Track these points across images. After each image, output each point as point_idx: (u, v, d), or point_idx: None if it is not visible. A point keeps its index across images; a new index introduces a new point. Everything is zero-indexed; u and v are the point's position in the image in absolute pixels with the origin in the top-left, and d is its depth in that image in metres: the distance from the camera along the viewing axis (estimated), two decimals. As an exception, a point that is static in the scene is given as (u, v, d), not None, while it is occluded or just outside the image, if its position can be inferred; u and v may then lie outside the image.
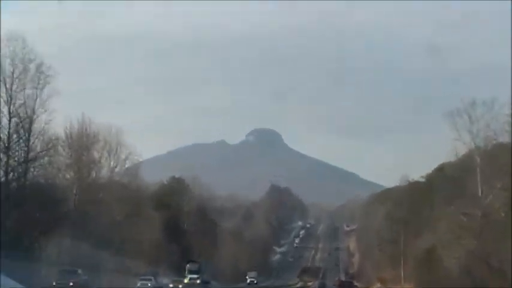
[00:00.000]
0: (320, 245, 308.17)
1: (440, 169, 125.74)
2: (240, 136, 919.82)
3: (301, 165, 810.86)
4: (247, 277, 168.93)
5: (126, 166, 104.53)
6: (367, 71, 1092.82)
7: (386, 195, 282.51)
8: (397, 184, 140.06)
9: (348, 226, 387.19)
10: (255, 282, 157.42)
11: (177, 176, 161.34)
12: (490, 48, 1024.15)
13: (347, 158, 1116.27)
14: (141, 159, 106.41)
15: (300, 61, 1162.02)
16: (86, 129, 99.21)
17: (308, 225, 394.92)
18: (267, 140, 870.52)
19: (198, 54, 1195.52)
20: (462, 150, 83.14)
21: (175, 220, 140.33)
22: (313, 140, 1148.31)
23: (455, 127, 79.58)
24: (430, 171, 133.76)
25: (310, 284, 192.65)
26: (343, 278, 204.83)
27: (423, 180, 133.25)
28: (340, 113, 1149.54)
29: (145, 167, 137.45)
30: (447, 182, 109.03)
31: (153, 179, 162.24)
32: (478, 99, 79.86)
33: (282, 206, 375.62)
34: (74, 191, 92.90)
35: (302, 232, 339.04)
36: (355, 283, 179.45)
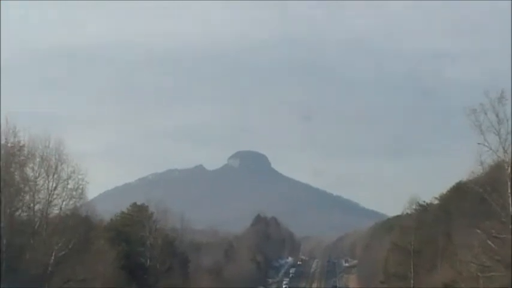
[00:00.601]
0: (314, 285, 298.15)
1: (458, 188, 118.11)
2: (220, 160, 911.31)
3: (293, 193, 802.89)
4: None
5: (69, 187, 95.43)
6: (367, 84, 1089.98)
7: (391, 223, 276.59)
8: (404, 210, 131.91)
9: (347, 262, 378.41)
10: None
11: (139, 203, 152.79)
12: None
13: (345, 184, 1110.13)
14: (87, 179, 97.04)
15: (289, 74, 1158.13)
16: (19, 142, 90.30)
17: (300, 262, 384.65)
18: (252, 164, 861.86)
19: (171, 71, 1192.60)
20: (488, 158, 73.82)
21: (136, 255, 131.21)
22: (306, 164, 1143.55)
23: (480, 129, 70.63)
24: (444, 192, 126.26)
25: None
26: None
27: (437, 202, 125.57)
28: (337, 133, 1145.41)
29: (108, 196, 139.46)
30: (468, 202, 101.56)
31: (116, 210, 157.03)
32: (507, 91, 70.35)
33: (270, 239, 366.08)
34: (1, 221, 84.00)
35: (293, 270, 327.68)
36: None
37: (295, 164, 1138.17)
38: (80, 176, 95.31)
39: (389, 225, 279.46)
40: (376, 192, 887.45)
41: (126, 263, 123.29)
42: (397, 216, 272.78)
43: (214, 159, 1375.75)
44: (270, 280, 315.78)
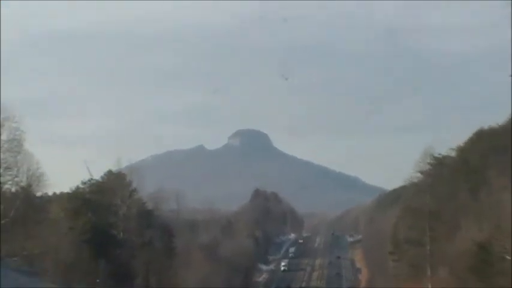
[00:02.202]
0: (317, 261, 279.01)
1: (480, 135, 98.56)
2: (221, 140, 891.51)
3: (294, 171, 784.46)
4: None
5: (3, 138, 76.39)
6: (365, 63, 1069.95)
7: (397, 194, 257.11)
8: (417, 166, 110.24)
9: (351, 237, 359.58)
10: None
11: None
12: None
13: (347, 161, 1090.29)
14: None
15: (289, 53, 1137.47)
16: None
17: (301, 241, 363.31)
18: (252, 143, 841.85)
19: (167, 51, 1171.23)
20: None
21: (106, 227, 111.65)
22: (307, 142, 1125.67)
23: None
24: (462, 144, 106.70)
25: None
26: None
27: (454, 154, 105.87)
28: (337, 110, 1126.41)
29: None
30: (492, 151, 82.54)
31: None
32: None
33: (270, 215, 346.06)
34: None
35: (292, 249, 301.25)
36: None
37: (297, 142, 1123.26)
38: (14, 125, 76.15)
39: (394, 196, 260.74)
40: (379, 168, 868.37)
41: (93, 236, 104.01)
42: (403, 187, 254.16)
43: (214, 139, 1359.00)
44: (271, 257, 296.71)
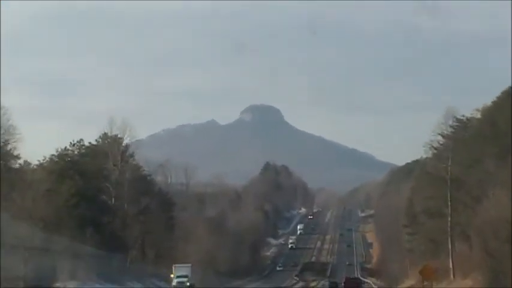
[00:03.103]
0: (328, 236, 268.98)
1: (509, 93, 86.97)
2: (233, 115, 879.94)
3: (306, 146, 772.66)
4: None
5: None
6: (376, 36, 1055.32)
7: (410, 168, 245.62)
8: (438, 128, 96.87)
9: (363, 211, 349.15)
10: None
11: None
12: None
13: (360, 137, 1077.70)
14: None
15: (300, 30, 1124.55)
16: None
17: (311, 217, 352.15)
18: (264, 118, 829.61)
19: (180, 27, 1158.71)
20: None
21: (95, 192, 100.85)
22: (320, 117, 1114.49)
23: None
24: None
25: (313, 284, 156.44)
26: (356, 275, 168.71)
27: (480, 116, 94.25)
28: (351, 86, 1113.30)
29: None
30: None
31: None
32: None
33: (280, 189, 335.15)
34: None
35: (301, 226, 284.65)
36: (369, 280, 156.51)
37: (309, 117, 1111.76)
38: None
39: (407, 170, 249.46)
40: (391, 145, 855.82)
41: (79, 201, 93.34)
42: (416, 161, 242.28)
43: (226, 113, 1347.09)
44: (280, 231, 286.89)
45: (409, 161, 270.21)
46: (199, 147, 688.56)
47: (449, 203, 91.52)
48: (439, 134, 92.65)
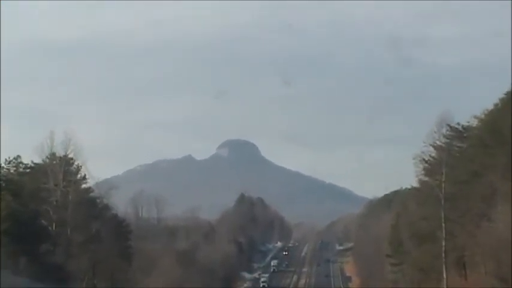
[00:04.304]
0: (304, 269, 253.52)
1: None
2: (210, 150, 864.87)
3: (284, 182, 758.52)
4: None
5: None
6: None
7: (389, 198, 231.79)
8: (430, 137, 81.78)
9: (341, 245, 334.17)
10: None
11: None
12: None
13: (337, 172, 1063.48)
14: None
15: (274, 67, 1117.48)
16: None
17: (286, 253, 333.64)
18: (241, 153, 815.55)
19: (152, 62, 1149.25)
20: None
21: (33, 216, 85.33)
22: (297, 153, 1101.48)
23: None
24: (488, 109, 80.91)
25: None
26: None
27: (478, 123, 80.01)
28: (328, 122, 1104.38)
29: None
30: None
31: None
32: None
33: (256, 222, 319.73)
34: None
35: (275, 262, 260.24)
36: None
37: (286, 152, 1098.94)
38: None
39: (386, 201, 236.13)
40: (369, 179, 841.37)
41: (12, 226, 78.08)
42: (395, 192, 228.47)
43: (203, 149, 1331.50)
44: (256, 265, 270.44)
45: (387, 192, 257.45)
46: (175, 183, 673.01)
47: (443, 224, 77.03)
48: (431, 145, 78.31)
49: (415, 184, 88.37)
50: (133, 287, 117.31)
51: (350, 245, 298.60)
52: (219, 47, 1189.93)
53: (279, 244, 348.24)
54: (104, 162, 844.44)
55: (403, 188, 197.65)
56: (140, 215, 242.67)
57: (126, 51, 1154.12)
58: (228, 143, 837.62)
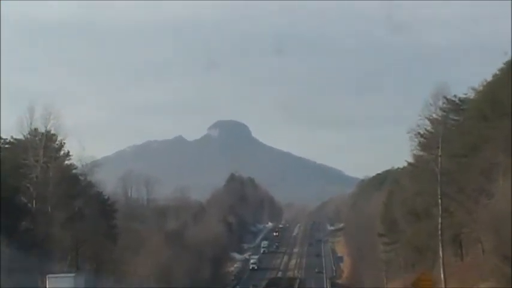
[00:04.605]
0: (295, 249, 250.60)
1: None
2: (201, 131, 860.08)
3: (275, 162, 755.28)
4: None
5: None
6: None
7: (382, 178, 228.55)
8: (425, 110, 77.69)
9: (332, 225, 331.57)
10: None
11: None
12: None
13: (327, 152, 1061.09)
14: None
15: (267, 48, 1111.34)
16: None
17: (281, 226, 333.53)
18: (232, 134, 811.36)
19: (141, 44, 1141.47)
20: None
21: (12, 192, 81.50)
22: (287, 133, 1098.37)
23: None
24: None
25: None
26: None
27: (475, 95, 76.38)
28: (318, 101, 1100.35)
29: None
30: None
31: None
32: None
33: (246, 202, 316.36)
34: None
35: (265, 243, 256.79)
36: None
37: (277, 133, 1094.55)
38: None
39: (378, 180, 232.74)
40: (360, 160, 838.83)
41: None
42: (387, 171, 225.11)
43: (194, 129, 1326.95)
44: (246, 245, 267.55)
45: (379, 171, 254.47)
46: (166, 163, 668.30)
47: (439, 201, 73.39)
48: (427, 118, 74.51)
49: (410, 160, 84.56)
50: (119, 268, 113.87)
51: (341, 225, 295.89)
52: (210, 24, 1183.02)
53: (270, 224, 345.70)
54: (94, 143, 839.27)
55: (395, 167, 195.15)
56: (129, 195, 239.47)
57: (116, 31, 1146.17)
58: (219, 123, 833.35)
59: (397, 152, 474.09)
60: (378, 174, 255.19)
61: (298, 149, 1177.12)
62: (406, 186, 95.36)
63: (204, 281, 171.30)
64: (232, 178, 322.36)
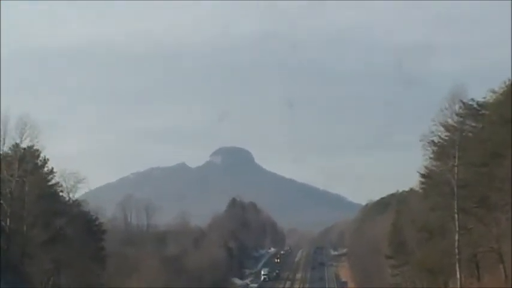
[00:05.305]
0: (298, 275, 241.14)
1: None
2: (203, 158, 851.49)
3: (278, 188, 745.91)
4: None
5: None
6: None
7: (386, 201, 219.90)
8: (440, 115, 69.11)
9: (335, 250, 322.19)
10: None
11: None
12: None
13: (332, 179, 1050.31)
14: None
15: (268, 73, 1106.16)
16: None
17: (283, 252, 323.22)
18: (235, 160, 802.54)
19: (144, 70, 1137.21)
20: None
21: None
22: (291, 160, 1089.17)
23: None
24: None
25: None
26: None
27: (496, 97, 68.00)
28: (322, 129, 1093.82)
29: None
30: None
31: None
32: None
33: (248, 227, 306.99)
34: None
35: (265, 271, 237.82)
36: None
37: (280, 160, 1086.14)
38: None
39: (382, 204, 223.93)
40: (364, 186, 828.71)
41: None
42: (391, 195, 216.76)
43: (196, 156, 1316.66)
44: (247, 271, 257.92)
45: (383, 195, 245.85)
46: (169, 190, 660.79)
47: (456, 216, 64.96)
48: (441, 124, 66.23)
49: (422, 171, 75.98)
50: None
51: (345, 250, 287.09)
52: (216, 55, 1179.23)
53: (272, 250, 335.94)
54: (97, 170, 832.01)
55: (400, 190, 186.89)
56: (129, 220, 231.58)
57: (120, 58, 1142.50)
58: (222, 150, 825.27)
59: (400, 177, 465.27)
60: (382, 198, 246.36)
61: (301, 175, 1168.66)
62: (415, 205, 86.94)
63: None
64: (233, 203, 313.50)
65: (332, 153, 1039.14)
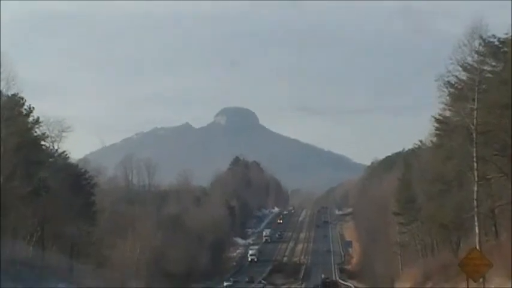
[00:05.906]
0: (302, 235, 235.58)
1: None
2: (208, 118, 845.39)
3: (282, 149, 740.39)
4: None
5: None
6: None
7: (392, 160, 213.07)
8: (459, 49, 60.97)
9: (340, 210, 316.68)
10: None
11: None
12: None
13: (335, 140, 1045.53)
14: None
15: (276, 33, 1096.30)
16: None
17: (286, 212, 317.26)
18: (239, 121, 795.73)
19: (148, 34, 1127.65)
20: None
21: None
22: (295, 120, 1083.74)
23: None
24: None
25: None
26: (334, 277, 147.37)
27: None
28: (326, 90, 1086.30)
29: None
30: None
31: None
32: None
33: (251, 186, 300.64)
34: None
35: (267, 232, 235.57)
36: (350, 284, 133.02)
37: (285, 120, 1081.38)
38: None
39: (389, 163, 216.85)
40: (368, 147, 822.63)
41: None
42: (398, 153, 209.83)
43: (201, 117, 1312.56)
44: (250, 230, 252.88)
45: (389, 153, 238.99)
46: (172, 150, 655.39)
47: (475, 164, 58.02)
48: (459, 64, 58.98)
49: (437, 116, 68.66)
50: (99, 252, 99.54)
51: (350, 210, 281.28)
52: (224, 18, 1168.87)
53: (276, 210, 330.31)
54: (103, 132, 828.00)
55: (406, 149, 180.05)
56: (130, 179, 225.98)
57: (126, 22, 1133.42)
58: (226, 110, 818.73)
59: (404, 137, 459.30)
60: (388, 156, 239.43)
61: (305, 136, 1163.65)
62: (426, 157, 79.98)
63: (203, 266, 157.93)
64: (236, 161, 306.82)
65: (337, 114, 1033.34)
